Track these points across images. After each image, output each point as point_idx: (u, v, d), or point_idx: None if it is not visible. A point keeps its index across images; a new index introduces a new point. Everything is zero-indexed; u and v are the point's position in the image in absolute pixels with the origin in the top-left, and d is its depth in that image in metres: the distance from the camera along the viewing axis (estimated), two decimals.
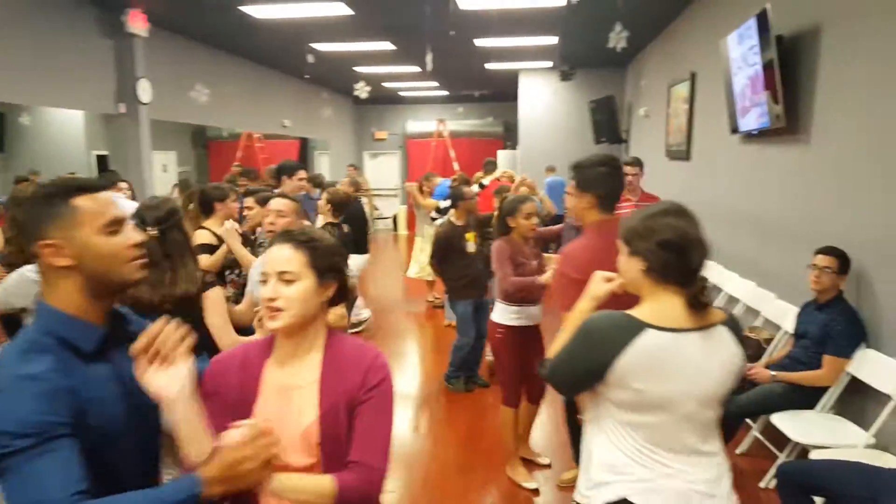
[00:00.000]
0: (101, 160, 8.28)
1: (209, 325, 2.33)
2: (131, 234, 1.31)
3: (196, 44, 8.72)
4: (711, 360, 1.53)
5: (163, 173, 11.40)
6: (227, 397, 1.45)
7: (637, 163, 4.99)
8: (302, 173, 5.04)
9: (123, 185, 5.80)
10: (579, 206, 2.41)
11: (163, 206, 2.37)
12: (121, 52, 7.06)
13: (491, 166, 7.87)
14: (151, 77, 7.33)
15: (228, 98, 9.61)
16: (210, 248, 3.63)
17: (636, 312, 1.53)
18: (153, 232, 2.29)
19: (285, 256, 1.42)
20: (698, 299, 1.51)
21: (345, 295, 1.55)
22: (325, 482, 1.35)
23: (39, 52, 6.13)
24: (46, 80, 6.24)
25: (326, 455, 1.41)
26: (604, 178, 2.36)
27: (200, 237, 3.66)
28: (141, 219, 2.31)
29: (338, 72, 11.14)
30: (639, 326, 1.49)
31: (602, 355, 1.50)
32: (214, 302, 2.35)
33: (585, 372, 1.55)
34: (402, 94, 14.55)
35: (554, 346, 1.69)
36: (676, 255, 1.51)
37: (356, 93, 8.50)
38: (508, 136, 14.51)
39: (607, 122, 10.30)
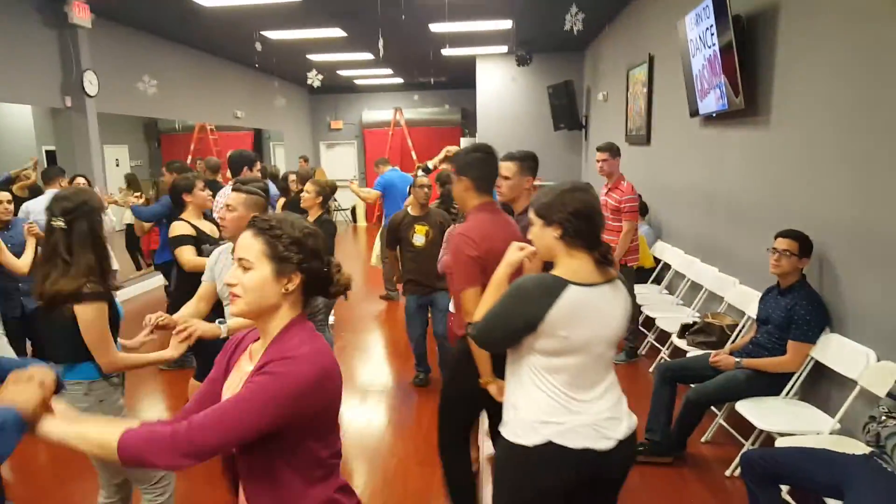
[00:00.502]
0: (51, 155, 7.94)
1: (84, 339, 2.23)
2: None
3: (142, 34, 8.42)
4: (616, 307, 1.86)
5: (115, 167, 11.00)
6: (221, 375, 1.54)
7: (607, 148, 4.88)
8: (258, 165, 4.89)
9: (81, 179, 5.55)
10: (458, 189, 2.60)
11: (74, 198, 2.27)
12: (64, 44, 6.83)
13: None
14: (97, 69, 7.08)
15: (178, 89, 9.31)
16: (194, 240, 3.61)
17: (556, 272, 1.81)
18: (59, 223, 2.22)
19: (245, 243, 1.43)
20: (605, 258, 1.84)
21: (323, 288, 1.50)
22: (111, 433, 1.26)
23: None
24: None
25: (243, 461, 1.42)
26: (478, 163, 2.57)
27: (178, 229, 3.65)
28: (51, 210, 2.25)
29: (290, 60, 10.88)
30: (563, 284, 1.77)
31: (536, 310, 1.75)
32: (84, 320, 2.20)
33: (520, 326, 1.78)
34: (357, 82, 14.33)
35: (480, 310, 1.92)
36: (586, 222, 1.81)
37: (309, 81, 8.28)
38: (467, 124, 14.39)
39: (566, 107, 10.24)
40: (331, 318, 5.18)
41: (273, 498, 1.41)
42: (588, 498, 1.92)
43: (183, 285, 3.62)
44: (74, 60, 6.83)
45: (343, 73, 12.52)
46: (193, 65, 9.86)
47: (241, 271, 1.41)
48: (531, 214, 1.92)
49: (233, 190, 2.87)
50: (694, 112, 4.97)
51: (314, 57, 10.58)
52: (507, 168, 2.97)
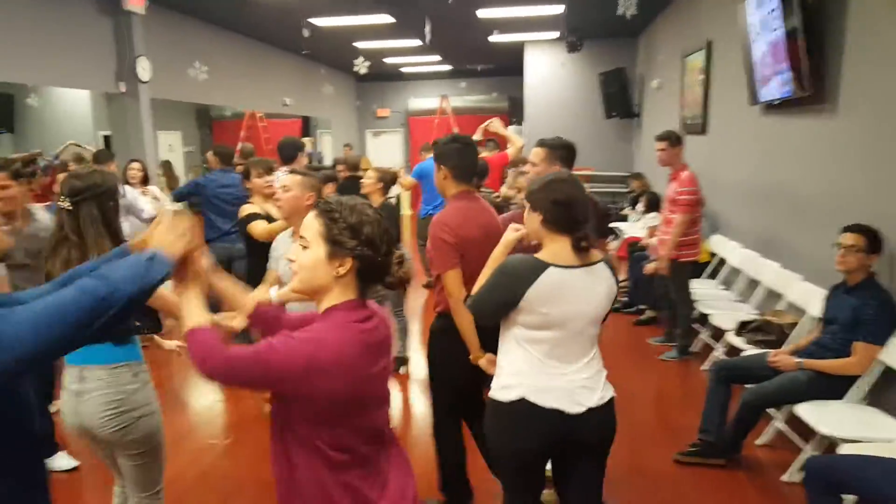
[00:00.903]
0: (108, 140, 8.18)
1: None
2: None
3: (194, 20, 8.54)
4: (596, 288, 2.00)
5: (169, 153, 11.29)
6: None
7: (665, 137, 4.71)
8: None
9: (136, 164, 5.66)
10: (438, 177, 2.70)
11: (86, 178, 2.13)
12: (119, 30, 6.97)
13: (491, 144, 7.54)
14: (150, 55, 7.18)
15: (228, 76, 9.42)
16: (263, 218, 3.68)
17: (540, 255, 1.98)
18: (65, 204, 2.09)
19: (307, 223, 1.48)
20: (580, 244, 1.96)
21: (378, 277, 1.50)
22: (196, 320, 1.39)
23: (40, 30, 6.06)
24: (47, 59, 6.17)
25: (274, 416, 1.50)
26: (456, 153, 2.66)
27: (246, 209, 3.76)
28: (60, 189, 2.13)
29: (337, 48, 10.89)
30: (543, 265, 1.94)
31: (517, 287, 1.93)
32: None
33: (504, 301, 1.97)
34: (403, 70, 14.27)
35: (477, 285, 2.09)
36: (564, 210, 1.96)
37: (355, 68, 8.27)
38: (514, 112, 14.20)
39: (618, 95, 10.00)
40: None
41: (289, 480, 1.47)
42: (573, 464, 2.09)
43: (256, 261, 3.63)
44: (128, 47, 6.96)
45: (389, 60, 12.48)
46: (243, 52, 9.95)
47: (300, 249, 1.47)
48: (524, 199, 2.11)
49: (289, 172, 2.98)
50: (754, 100, 4.75)
51: (361, 44, 10.56)
52: (535, 154, 2.89)
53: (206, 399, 4.51)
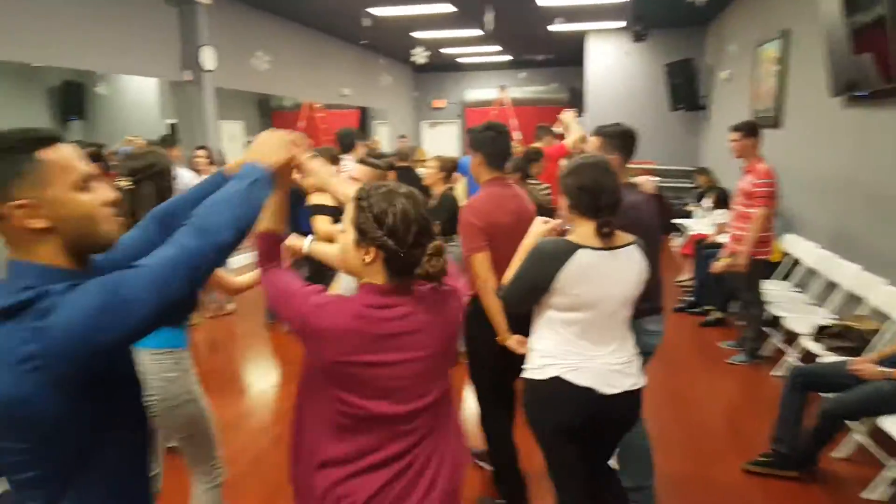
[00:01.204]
0: (174, 128, 8.39)
1: None
2: (104, 191, 1.19)
3: (257, 11, 8.64)
4: (626, 270, 2.03)
5: (230, 142, 11.50)
6: None
7: (740, 127, 4.48)
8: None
9: (201, 151, 5.77)
10: (473, 164, 2.75)
11: (142, 158, 2.17)
12: (185, 20, 7.08)
13: (543, 132, 7.29)
14: (215, 45, 7.28)
15: (289, 66, 9.52)
16: (332, 210, 3.59)
17: (570, 238, 2.02)
18: (126, 184, 2.09)
19: (347, 207, 1.51)
20: (602, 230, 1.99)
21: (405, 268, 1.45)
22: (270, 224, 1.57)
23: (108, 19, 6.21)
24: (115, 48, 6.33)
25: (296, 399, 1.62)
26: (490, 140, 2.71)
27: (315, 198, 3.72)
28: (119, 170, 2.16)
29: (395, 38, 10.87)
30: (574, 247, 1.98)
31: (550, 268, 1.97)
32: None
33: (537, 283, 2.01)
34: (460, 60, 14.16)
35: (508, 275, 2.13)
36: (588, 196, 2.00)
37: (413, 58, 8.21)
38: (574, 103, 13.91)
39: (684, 87, 9.67)
40: None
41: (299, 440, 1.58)
42: (595, 441, 2.18)
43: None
44: (194, 36, 7.08)
45: (447, 51, 12.40)
46: (303, 42, 10.04)
47: (342, 233, 1.52)
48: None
49: (358, 162, 3.08)
50: (837, 91, 4.47)
51: (419, 34, 10.50)
52: (591, 142, 2.80)
53: (262, 384, 4.55)
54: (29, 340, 1.00)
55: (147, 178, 2.13)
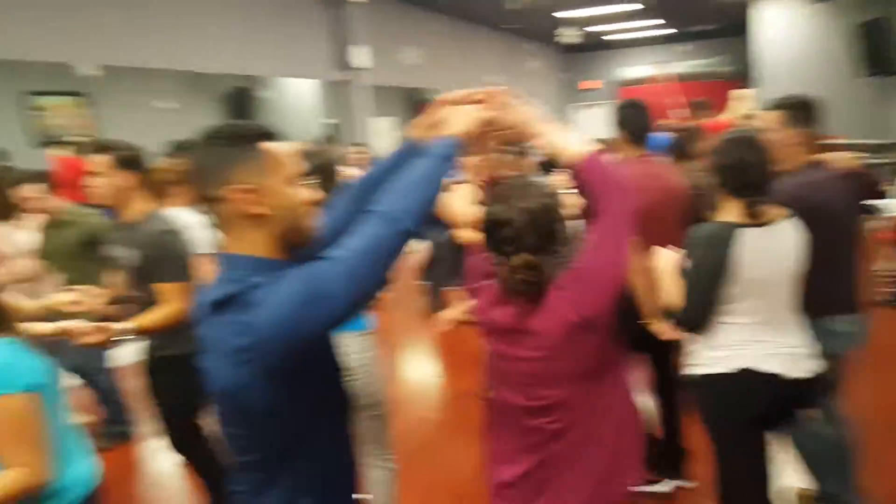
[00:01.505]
0: (334, 128, 8.75)
1: None
2: (307, 190, 1.25)
3: (405, 5, 8.73)
4: (783, 248, 1.92)
5: (378, 139, 11.82)
6: None
7: None
8: None
9: (357, 149, 5.93)
10: (618, 140, 2.72)
11: (322, 155, 2.31)
12: (339, 20, 7.26)
13: (700, 107, 6.57)
14: (368, 43, 7.42)
15: (435, 58, 9.59)
16: None
17: (721, 216, 1.94)
18: (314, 180, 2.14)
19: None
20: (750, 209, 1.88)
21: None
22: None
23: (267, 26, 6.55)
24: (274, 53, 6.67)
25: None
26: (631, 117, 2.68)
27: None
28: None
29: (538, 20, 10.57)
30: (731, 226, 1.88)
31: (720, 253, 1.86)
32: None
33: (715, 274, 1.87)
34: (608, 38, 13.52)
35: (670, 300, 2.01)
36: (733, 174, 1.91)
37: (558, 38, 7.86)
38: (741, 76, 12.77)
39: (876, 50, 8.47)
40: None
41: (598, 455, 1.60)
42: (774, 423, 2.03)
43: None
44: (347, 35, 7.27)
45: (594, 29, 11.88)
46: (447, 32, 10.07)
47: None
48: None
49: None
50: None
51: (565, 13, 10.14)
52: (770, 120, 2.39)
53: (424, 371, 4.55)
54: (240, 333, 1.08)
55: (330, 175, 2.25)
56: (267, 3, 6.52)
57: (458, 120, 1.36)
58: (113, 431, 3.53)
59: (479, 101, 1.43)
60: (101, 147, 2.31)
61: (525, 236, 1.46)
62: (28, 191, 3.16)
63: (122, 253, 2.36)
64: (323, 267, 1.12)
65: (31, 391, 1.48)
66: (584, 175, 1.47)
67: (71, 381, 3.39)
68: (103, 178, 2.27)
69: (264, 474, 1.21)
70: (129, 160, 2.29)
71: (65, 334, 2.16)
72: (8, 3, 4.50)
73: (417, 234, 1.21)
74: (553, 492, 1.52)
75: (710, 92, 9.07)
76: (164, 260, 2.26)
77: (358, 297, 1.13)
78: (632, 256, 2.26)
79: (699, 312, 1.97)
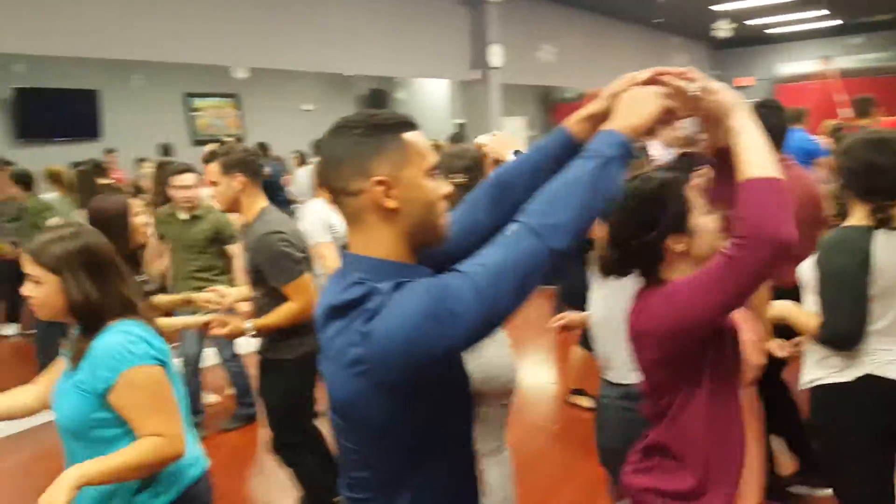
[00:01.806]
0: (462, 127, 8.79)
1: None
2: (443, 183, 1.14)
3: (543, 2, 8.55)
4: None
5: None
6: None
7: None
8: None
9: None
10: None
11: (467, 155, 2.26)
12: (475, 19, 7.27)
13: (866, 105, 5.71)
14: (502, 41, 7.37)
15: (573, 56, 9.38)
16: None
17: (850, 221, 1.89)
18: (462, 180, 2.14)
19: None
20: (876, 214, 1.82)
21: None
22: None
23: (405, 28, 6.66)
24: (411, 54, 6.77)
25: None
26: (765, 118, 2.40)
27: None
28: (447, 167, 2.14)
29: (691, 14, 10.02)
30: (865, 229, 1.83)
31: (859, 258, 1.79)
32: None
33: (858, 280, 1.79)
34: (770, 31, 12.58)
35: (801, 321, 1.93)
36: (859, 179, 1.86)
37: (714, 32, 7.34)
38: None
39: None
40: None
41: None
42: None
43: None
44: (483, 34, 7.24)
45: (752, 22, 11.07)
46: (587, 29, 9.79)
47: None
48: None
49: None
50: None
51: (720, 7, 9.53)
52: None
53: (538, 378, 4.44)
54: (356, 343, 1.00)
55: (478, 175, 2.18)
56: (408, 5, 6.62)
57: (634, 108, 1.13)
58: (238, 414, 3.69)
59: (656, 83, 1.17)
60: (211, 155, 2.39)
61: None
62: (180, 181, 3.33)
63: (243, 254, 2.46)
64: (453, 283, 0.99)
65: (163, 366, 1.52)
66: (746, 195, 1.10)
67: (199, 362, 3.61)
68: (217, 185, 2.34)
69: (380, 494, 1.13)
70: (235, 164, 2.32)
71: (202, 327, 2.31)
72: (173, 10, 4.87)
73: (569, 256, 1.03)
74: None
75: (880, 89, 8.01)
76: (270, 262, 2.27)
77: (485, 321, 0.99)
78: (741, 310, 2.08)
79: (854, 323, 1.84)
